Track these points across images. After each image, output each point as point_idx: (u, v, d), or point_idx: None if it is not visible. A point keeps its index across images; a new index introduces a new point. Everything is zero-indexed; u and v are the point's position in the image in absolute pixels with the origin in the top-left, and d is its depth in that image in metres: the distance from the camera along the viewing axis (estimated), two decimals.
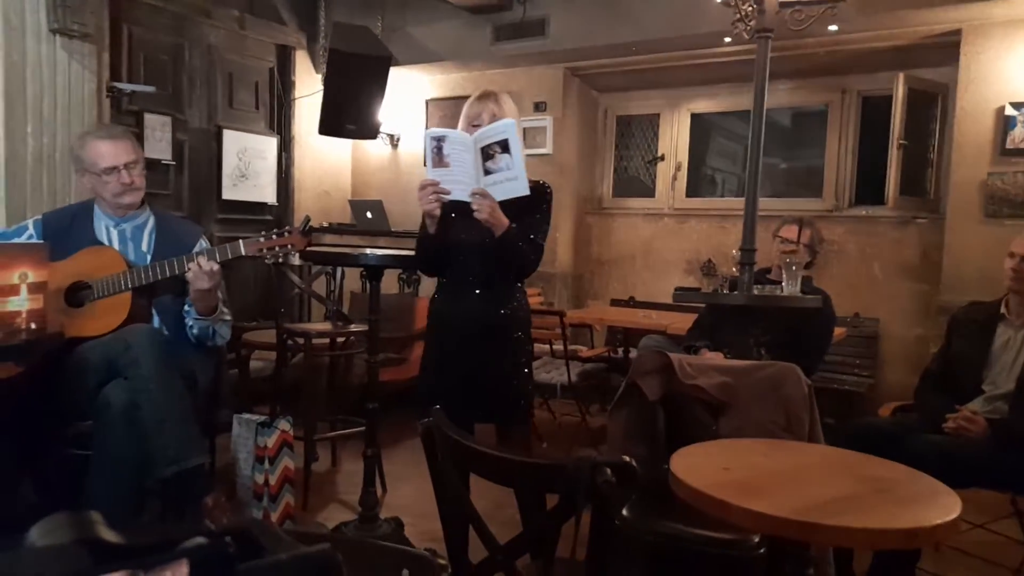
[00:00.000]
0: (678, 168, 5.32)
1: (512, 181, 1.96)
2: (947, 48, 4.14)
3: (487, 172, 1.97)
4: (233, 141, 4.88)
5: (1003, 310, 2.61)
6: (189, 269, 2.29)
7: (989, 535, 2.67)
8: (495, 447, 1.53)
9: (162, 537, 0.52)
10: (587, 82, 5.46)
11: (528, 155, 5.32)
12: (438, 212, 2.06)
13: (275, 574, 0.53)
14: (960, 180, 4.08)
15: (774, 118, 5.36)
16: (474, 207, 1.99)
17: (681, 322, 3.53)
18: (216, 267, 2.31)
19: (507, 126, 1.94)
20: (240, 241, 2.42)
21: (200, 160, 4.78)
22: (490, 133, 1.95)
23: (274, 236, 2.43)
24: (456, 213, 2.11)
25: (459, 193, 2.01)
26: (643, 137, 5.56)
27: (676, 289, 2.92)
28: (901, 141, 4.18)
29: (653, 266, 5.33)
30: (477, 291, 2.17)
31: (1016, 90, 3.91)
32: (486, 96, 2.15)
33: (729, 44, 4.44)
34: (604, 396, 4.35)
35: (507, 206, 2.02)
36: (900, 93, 4.19)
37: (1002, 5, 3.79)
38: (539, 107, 5.28)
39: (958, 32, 4.05)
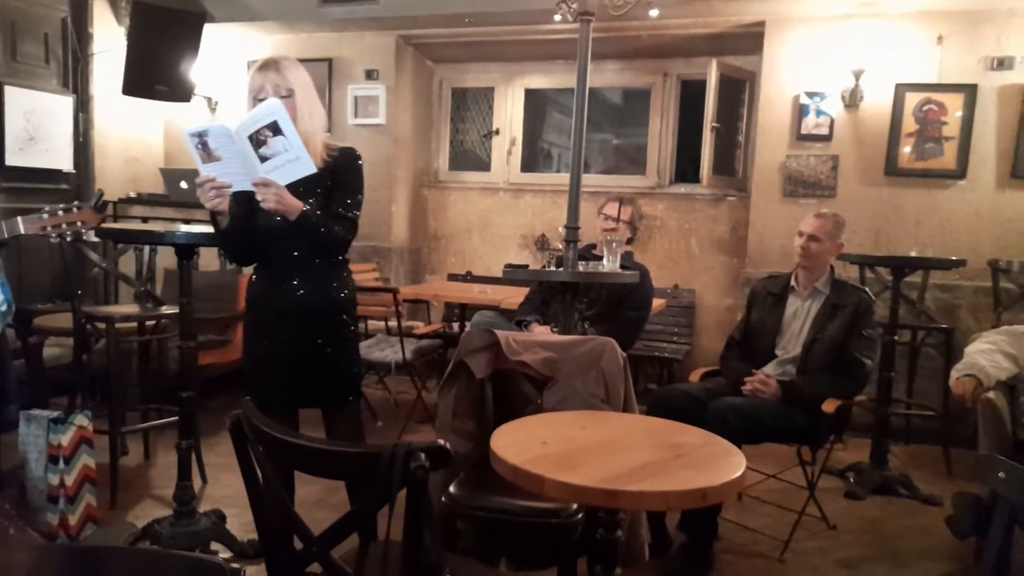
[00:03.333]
0: (512, 143, 5.39)
1: (294, 162, 1.84)
2: (754, 38, 4.49)
3: (264, 159, 1.84)
4: (18, 99, 4.29)
5: (793, 283, 2.90)
6: None
7: (780, 483, 3.00)
8: (310, 438, 1.48)
9: None
10: (421, 52, 5.36)
11: (361, 124, 5.17)
12: (225, 207, 1.92)
13: None
14: (763, 162, 4.47)
15: (607, 96, 5.57)
16: (259, 198, 1.88)
17: (515, 297, 3.60)
18: None
19: (270, 108, 1.80)
20: (19, 218, 2.15)
21: None
22: (254, 120, 1.81)
23: (60, 212, 2.18)
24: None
25: (241, 184, 1.88)
26: (479, 110, 5.56)
27: (505, 266, 2.97)
28: (714, 124, 4.49)
29: (490, 240, 5.39)
30: (294, 274, 2.06)
31: (810, 80, 4.32)
32: (267, 66, 2.00)
33: (560, 22, 4.52)
34: (440, 371, 4.37)
35: (313, 181, 1.92)
36: (714, 78, 4.49)
37: (799, 3, 4.16)
38: (371, 75, 5.10)
39: (762, 24, 4.39)
